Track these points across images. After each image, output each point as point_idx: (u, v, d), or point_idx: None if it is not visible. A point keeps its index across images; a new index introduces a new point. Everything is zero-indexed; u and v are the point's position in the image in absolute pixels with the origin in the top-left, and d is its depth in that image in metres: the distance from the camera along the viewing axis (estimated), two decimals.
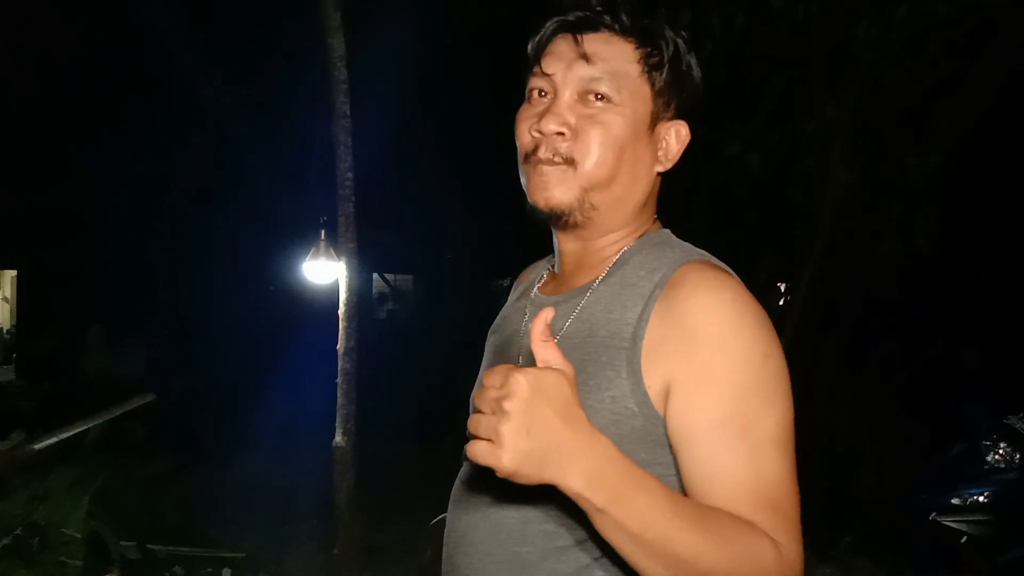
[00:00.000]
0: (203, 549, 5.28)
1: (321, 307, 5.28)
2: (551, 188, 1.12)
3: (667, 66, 1.14)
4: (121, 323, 11.07)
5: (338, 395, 3.52)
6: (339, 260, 3.63)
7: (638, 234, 1.18)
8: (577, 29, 1.12)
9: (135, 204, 9.89)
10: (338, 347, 3.57)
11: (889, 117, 5.76)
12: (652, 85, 1.13)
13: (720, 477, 0.97)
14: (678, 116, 1.17)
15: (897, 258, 5.81)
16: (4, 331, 14.09)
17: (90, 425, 5.69)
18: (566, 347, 1.02)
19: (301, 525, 5.98)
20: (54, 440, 5.54)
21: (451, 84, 8.42)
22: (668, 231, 1.21)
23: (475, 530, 1.13)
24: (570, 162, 1.11)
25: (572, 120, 1.11)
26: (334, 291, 3.78)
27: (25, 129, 9.39)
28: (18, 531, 4.73)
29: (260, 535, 5.81)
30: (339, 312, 3.57)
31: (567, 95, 1.12)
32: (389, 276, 12.52)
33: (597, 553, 1.02)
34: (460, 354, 9.33)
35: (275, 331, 9.41)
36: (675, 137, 1.17)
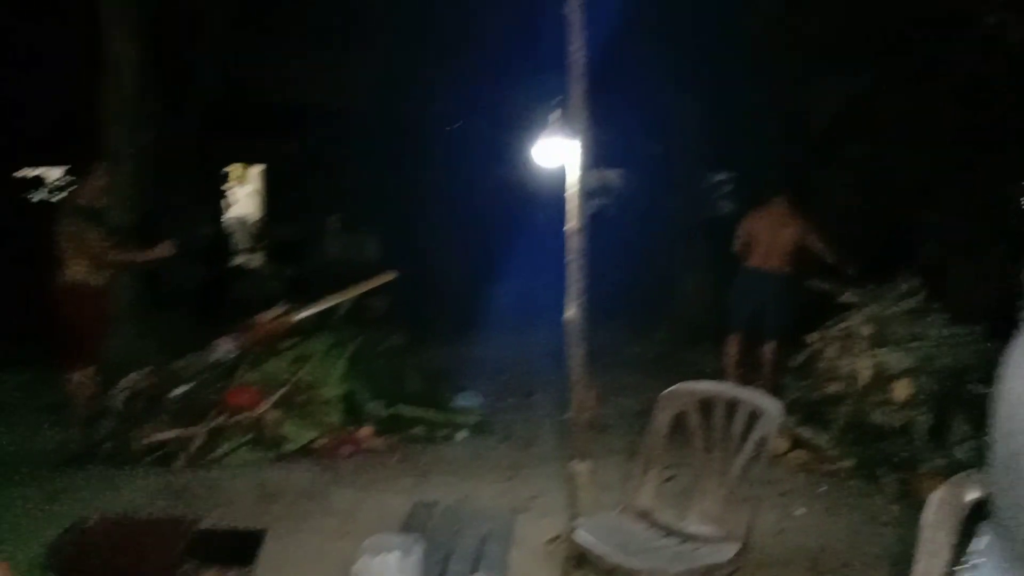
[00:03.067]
0: (441, 412, 5.78)
1: (548, 190, 5.43)
2: None
3: None
4: (357, 213, 11.95)
5: (569, 272, 3.63)
6: (570, 139, 3.68)
7: None
8: None
9: (368, 100, 10.47)
10: (567, 227, 3.66)
11: None
12: None
13: None
14: None
15: None
16: (254, 221, 15.64)
17: (342, 299, 6.31)
18: None
19: (531, 396, 6.38)
20: (311, 312, 6.22)
21: None
22: None
23: None
24: None
25: None
26: (562, 174, 3.86)
27: (276, 30, 10.07)
28: (287, 387, 5.41)
29: (493, 403, 6.28)
30: (569, 192, 3.64)
31: None
32: (601, 170, 12.50)
33: None
34: (672, 250, 9.29)
35: (504, 217, 9.79)
36: None
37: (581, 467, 3.61)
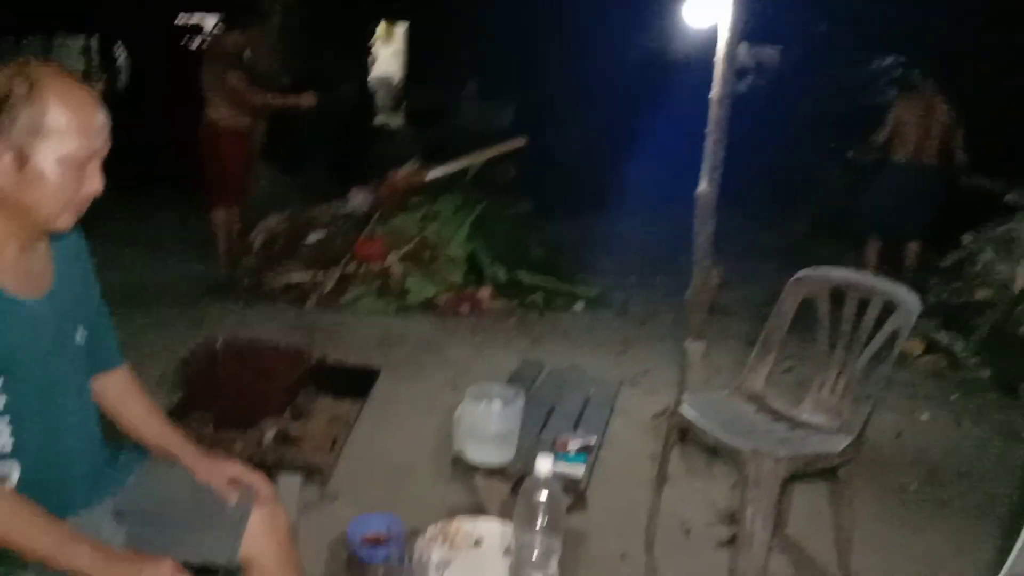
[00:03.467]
0: (561, 282, 5.78)
1: (695, 60, 5.17)
2: None
3: None
4: (494, 81, 11.78)
5: (707, 143, 3.44)
6: None
7: None
8: None
9: None
10: (711, 95, 3.45)
11: None
12: None
13: None
14: None
15: None
16: (396, 82, 15.73)
17: (471, 162, 6.31)
18: None
19: (652, 273, 6.28)
20: (441, 172, 6.27)
21: None
22: None
23: None
24: None
25: None
26: (708, 39, 3.59)
27: None
28: (413, 243, 5.53)
29: (612, 278, 6.22)
30: (717, 56, 3.40)
31: None
32: (756, 45, 11.72)
33: None
34: (821, 137, 8.68)
35: (644, 88, 9.40)
36: None
37: (695, 346, 3.55)
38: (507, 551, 1.62)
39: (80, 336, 1.56)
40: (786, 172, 8.68)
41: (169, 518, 1.65)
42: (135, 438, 1.75)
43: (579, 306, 5.57)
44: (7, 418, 1.41)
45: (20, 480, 1.44)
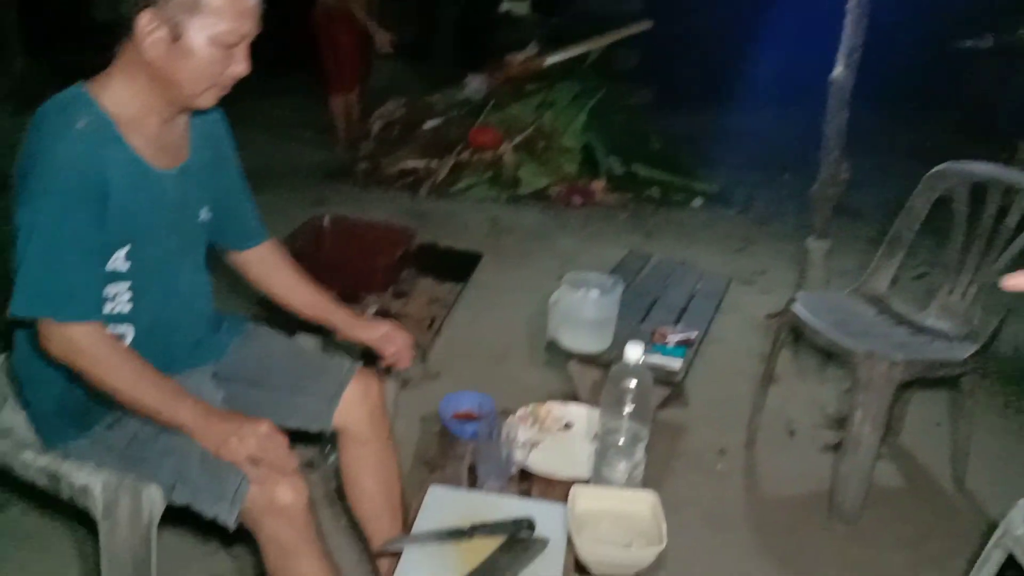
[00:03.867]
0: (679, 177, 5.57)
1: None
2: None
3: None
4: None
5: (846, 22, 3.14)
6: None
7: None
8: None
9: None
10: None
11: None
12: None
13: None
14: None
15: None
16: None
17: (592, 46, 6.07)
18: None
19: (780, 170, 5.95)
20: (561, 57, 6.06)
21: None
22: None
23: None
24: None
25: None
26: None
27: None
28: (529, 131, 5.43)
29: (736, 173, 5.94)
30: None
31: None
32: None
33: None
34: (976, 27, 7.78)
35: None
36: None
37: (817, 245, 3.35)
38: (595, 436, 1.60)
39: (204, 214, 1.61)
40: (932, 63, 7.87)
41: (267, 384, 1.71)
42: (287, 307, 1.82)
43: (697, 202, 5.37)
44: (128, 283, 1.48)
45: (131, 342, 1.51)
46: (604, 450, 1.58)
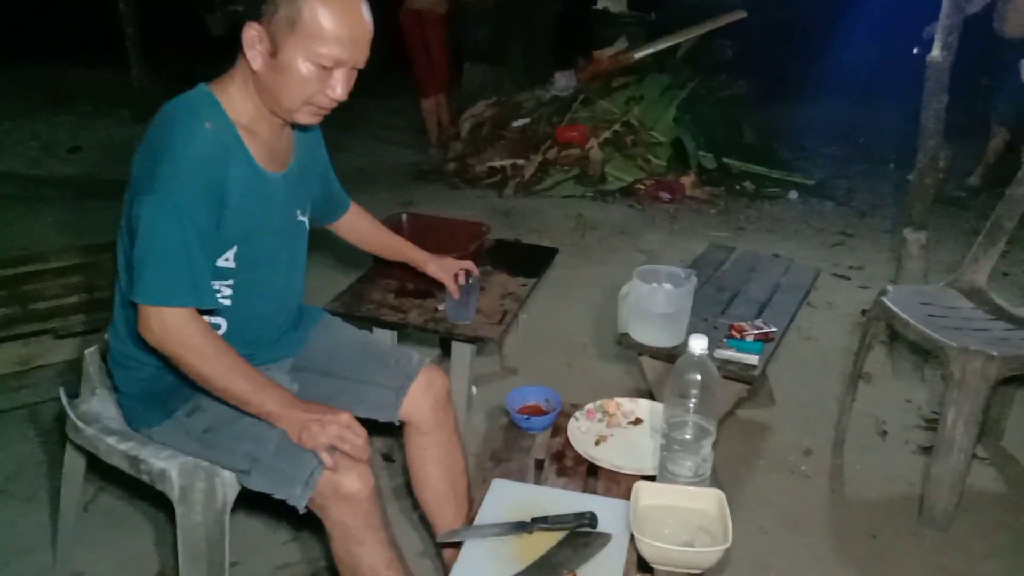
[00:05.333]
0: (774, 170, 5.40)
1: None
2: None
3: None
4: None
5: (944, 4, 2.97)
6: None
7: None
8: None
9: None
10: None
11: None
12: None
13: None
14: None
15: None
16: None
17: (682, 39, 5.96)
18: None
19: (883, 162, 5.70)
20: (650, 51, 5.98)
21: None
22: None
23: None
24: None
25: None
26: None
27: None
28: (617, 126, 5.37)
29: (836, 165, 5.71)
30: None
31: None
32: None
33: None
34: None
35: None
36: None
37: (915, 236, 3.18)
38: (660, 431, 1.56)
39: (301, 214, 1.68)
40: None
41: (337, 373, 1.75)
42: (373, 250, 2.12)
43: (793, 195, 5.19)
44: (232, 280, 1.54)
45: (223, 334, 1.58)
46: (669, 445, 1.55)
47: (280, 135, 1.56)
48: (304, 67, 1.39)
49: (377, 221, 2.09)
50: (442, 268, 2.12)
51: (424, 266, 2.11)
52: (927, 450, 2.52)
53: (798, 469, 2.46)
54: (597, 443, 1.78)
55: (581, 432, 1.81)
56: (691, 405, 1.51)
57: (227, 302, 1.55)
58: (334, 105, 1.48)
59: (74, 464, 1.81)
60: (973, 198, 4.90)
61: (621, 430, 1.83)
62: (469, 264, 2.18)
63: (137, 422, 1.64)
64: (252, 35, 1.40)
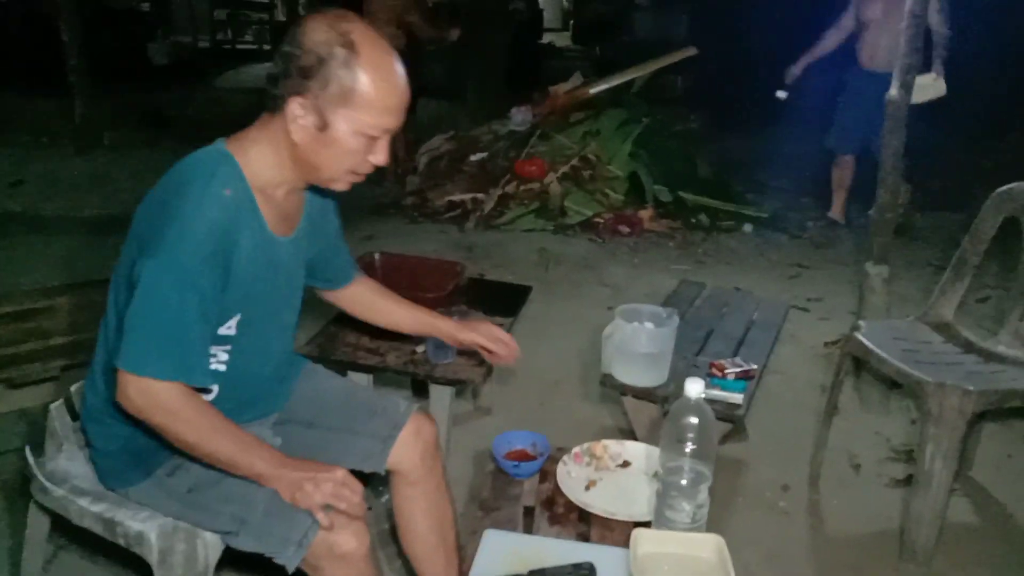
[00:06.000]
0: (728, 203, 5.48)
1: None
2: None
3: None
4: None
5: (901, 40, 3.06)
6: None
7: None
8: None
9: None
10: None
11: None
12: None
13: None
14: None
15: None
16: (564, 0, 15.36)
17: (636, 75, 6.05)
18: None
19: (825, 198, 5.82)
20: (604, 86, 6.06)
21: None
22: None
23: None
24: None
25: None
26: None
27: None
28: (575, 161, 5.41)
29: (788, 198, 5.83)
30: None
31: None
32: None
33: None
34: None
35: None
36: None
37: (877, 270, 3.24)
38: (655, 475, 1.54)
39: (303, 275, 1.63)
40: (1001, 76, 7.62)
41: (322, 424, 1.70)
42: (392, 328, 1.89)
43: (748, 227, 5.28)
44: (230, 347, 1.48)
45: (214, 397, 1.50)
46: (666, 491, 1.52)
47: (293, 198, 1.51)
48: (355, 140, 1.36)
49: (391, 293, 1.90)
50: (473, 332, 1.84)
51: (461, 336, 1.84)
52: (901, 482, 2.55)
53: (777, 506, 2.46)
54: (587, 488, 1.75)
55: (570, 477, 1.78)
56: (688, 449, 1.50)
57: (222, 367, 1.49)
58: (372, 171, 1.45)
59: (38, 525, 1.71)
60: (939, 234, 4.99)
61: (610, 473, 1.81)
62: (500, 331, 1.86)
63: (112, 481, 1.55)
64: (296, 108, 1.35)
